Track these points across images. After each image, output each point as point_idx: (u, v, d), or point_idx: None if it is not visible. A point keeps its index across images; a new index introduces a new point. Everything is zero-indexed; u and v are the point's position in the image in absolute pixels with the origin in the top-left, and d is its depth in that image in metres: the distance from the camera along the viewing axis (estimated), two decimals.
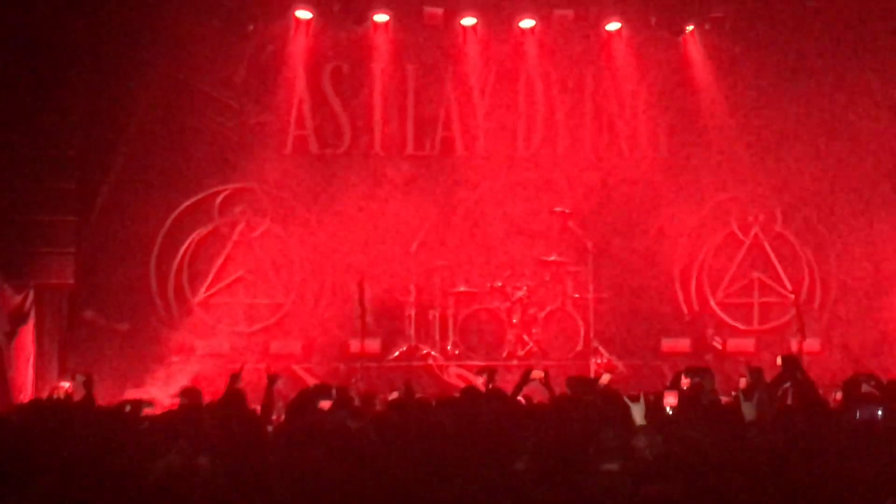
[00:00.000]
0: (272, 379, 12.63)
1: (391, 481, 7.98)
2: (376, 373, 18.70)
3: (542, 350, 19.40)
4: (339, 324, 19.27)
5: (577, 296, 19.86)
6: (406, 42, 20.27)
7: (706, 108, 20.44)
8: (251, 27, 19.79)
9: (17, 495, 7.67)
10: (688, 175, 20.46)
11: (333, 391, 12.37)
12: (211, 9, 19.40)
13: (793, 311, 18.90)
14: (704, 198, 20.60)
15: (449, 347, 19.49)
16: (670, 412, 12.18)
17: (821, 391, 12.80)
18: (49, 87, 18.58)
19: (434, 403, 11.65)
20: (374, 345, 18.89)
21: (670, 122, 20.67)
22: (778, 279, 20.54)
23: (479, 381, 15.03)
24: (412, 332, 19.64)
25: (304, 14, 19.83)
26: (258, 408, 12.37)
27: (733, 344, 19.91)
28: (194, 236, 19.81)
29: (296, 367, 18.87)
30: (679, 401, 12.25)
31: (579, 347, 19.50)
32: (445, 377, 19.18)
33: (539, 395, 12.93)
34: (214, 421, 10.50)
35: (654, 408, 11.17)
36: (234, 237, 19.92)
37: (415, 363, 19.19)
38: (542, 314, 19.63)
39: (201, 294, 19.76)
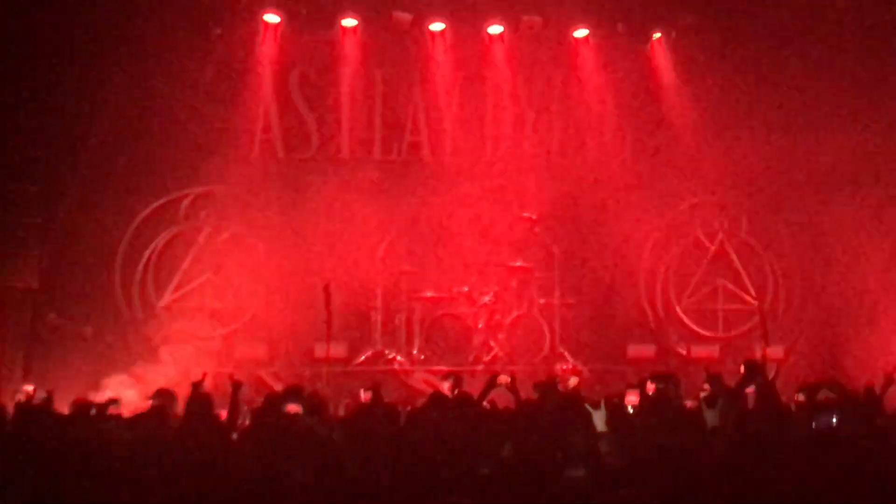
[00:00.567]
0: (236, 386, 12.57)
1: (356, 485, 7.98)
2: (342, 377, 18.66)
3: (507, 355, 19.43)
4: (304, 328, 19.18)
5: (543, 301, 19.91)
6: (374, 47, 20.26)
7: (672, 115, 20.53)
8: (218, 31, 19.73)
9: None
10: (654, 182, 20.53)
11: (303, 395, 12.36)
12: (178, 12, 19.29)
13: (757, 318, 18.99)
14: (670, 205, 20.69)
15: (415, 352, 19.50)
16: (631, 411, 12.25)
17: (783, 397, 12.89)
18: (14, 90, 18.46)
19: (400, 409, 11.67)
20: (340, 349, 18.86)
21: (637, 128, 20.76)
22: (742, 286, 20.65)
23: (445, 386, 15.02)
24: (378, 336, 19.63)
25: (272, 18, 19.80)
26: (223, 412, 12.33)
27: (698, 350, 19.99)
28: (160, 240, 19.74)
29: (261, 372, 18.82)
30: (643, 405, 12.31)
31: (545, 353, 19.56)
32: (411, 382, 19.19)
33: (505, 400, 12.95)
34: (180, 426, 10.48)
35: (616, 413, 11.22)
36: (200, 241, 19.85)
37: (381, 368, 19.18)
38: (508, 320, 19.67)
39: (166, 298, 19.69)
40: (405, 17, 20.07)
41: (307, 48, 20.14)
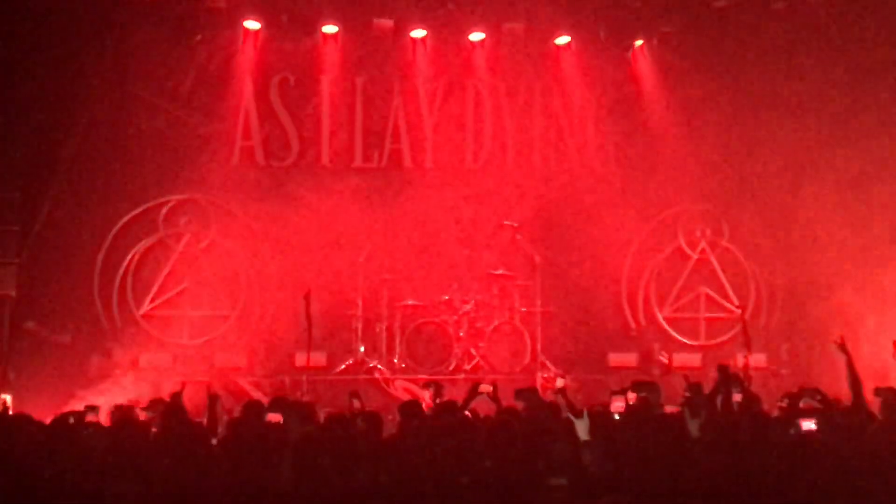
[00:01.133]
0: (213, 399, 12.48)
1: (337, 495, 7.91)
2: (322, 386, 18.57)
3: (488, 364, 19.36)
4: (284, 337, 19.09)
5: (524, 310, 19.86)
6: (355, 54, 20.25)
7: (654, 123, 20.56)
8: (199, 37, 19.69)
9: None
10: (635, 189, 20.54)
11: (289, 403, 12.28)
12: (158, 18, 19.24)
13: (739, 327, 18.96)
14: (652, 212, 20.71)
15: (395, 361, 19.41)
16: (618, 418, 12.20)
17: (765, 405, 12.85)
18: None
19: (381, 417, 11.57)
20: (320, 358, 18.75)
21: (618, 136, 20.77)
22: (725, 294, 20.67)
23: (426, 395, 14.96)
24: (359, 345, 19.55)
25: (252, 24, 19.75)
26: (203, 421, 12.24)
27: (680, 359, 19.96)
28: (139, 247, 19.67)
29: (241, 380, 18.73)
30: (625, 414, 12.28)
31: (526, 361, 19.48)
32: (392, 390, 19.09)
33: (487, 408, 12.88)
34: (159, 434, 10.40)
35: (600, 422, 11.16)
36: (179, 249, 19.79)
37: (361, 376, 19.09)
38: (489, 328, 19.59)
39: (145, 306, 19.61)
40: (386, 23, 20.03)
41: (288, 55, 20.09)
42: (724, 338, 20.35)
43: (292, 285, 19.09)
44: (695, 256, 20.89)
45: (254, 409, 11.82)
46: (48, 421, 11.87)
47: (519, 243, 20.12)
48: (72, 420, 12.02)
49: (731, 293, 20.59)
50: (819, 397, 12.59)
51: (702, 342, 20.54)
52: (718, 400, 12.27)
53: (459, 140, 20.59)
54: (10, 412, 15.47)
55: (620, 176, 20.64)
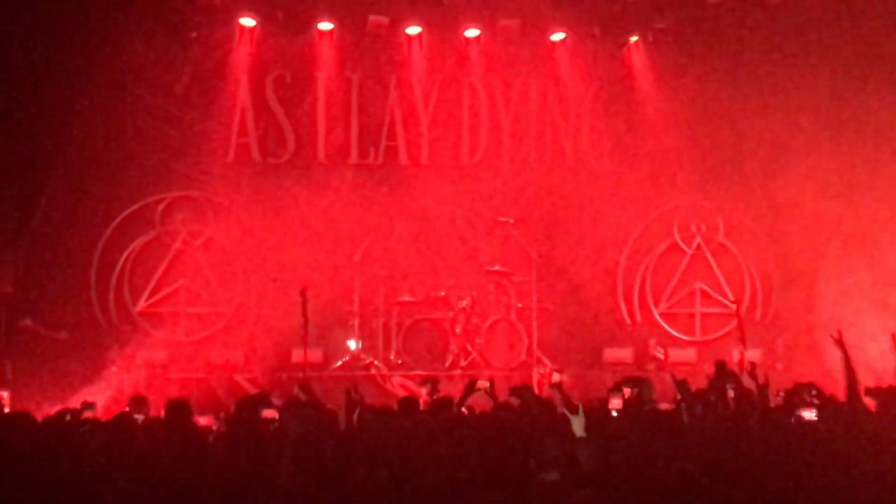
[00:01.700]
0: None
1: (335, 490, 7.94)
2: (318, 383, 18.57)
3: (485, 360, 19.40)
4: (281, 333, 19.08)
5: (520, 306, 19.89)
6: (350, 50, 20.26)
7: (649, 119, 20.59)
8: (194, 34, 19.68)
9: None
10: (631, 185, 20.57)
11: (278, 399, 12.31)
12: (154, 16, 19.24)
13: (735, 322, 19.00)
14: (647, 208, 20.76)
15: (392, 357, 19.44)
16: (615, 415, 12.23)
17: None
18: None
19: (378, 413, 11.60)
20: (316, 354, 18.75)
21: (614, 132, 20.80)
22: (720, 290, 20.70)
23: (423, 392, 14.99)
24: (356, 341, 19.57)
25: (248, 22, 19.75)
26: (199, 419, 12.26)
27: (675, 354, 19.98)
28: (135, 244, 19.66)
29: (237, 377, 18.74)
30: (619, 410, 12.30)
31: (522, 357, 19.52)
32: (388, 387, 19.10)
33: (483, 405, 12.90)
34: (157, 432, 10.42)
35: (596, 418, 11.19)
36: (176, 245, 19.78)
37: (358, 373, 19.09)
38: (485, 324, 19.62)
39: (142, 303, 19.61)
40: (381, 20, 20.04)
41: (283, 52, 20.08)
42: (720, 333, 20.40)
43: (289, 282, 19.10)
44: (690, 252, 20.94)
45: (249, 405, 11.82)
46: (45, 418, 11.91)
47: (515, 240, 20.17)
48: (68, 417, 12.04)
49: (726, 289, 20.63)
50: (815, 392, 12.61)
51: (697, 338, 20.59)
52: (714, 396, 12.33)
53: (455, 136, 20.61)
54: (7, 409, 15.48)
55: (616, 172, 20.66)
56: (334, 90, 20.26)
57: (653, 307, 20.79)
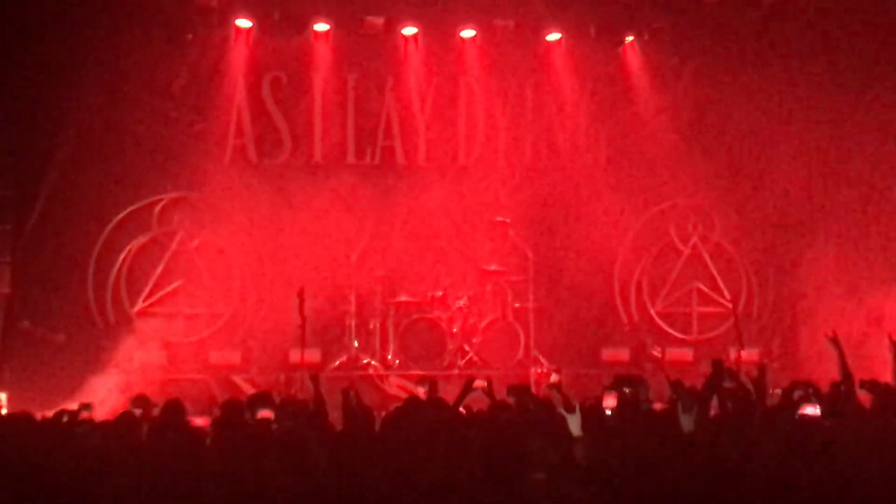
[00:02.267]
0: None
1: (331, 490, 7.96)
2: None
3: (482, 360, 19.41)
4: (279, 333, 19.09)
5: (517, 305, 19.91)
6: (346, 51, 20.25)
7: (645, 118, 20.61)
8: (190, 36, 19.66)
9: None
10: (627, 185, 20.60)
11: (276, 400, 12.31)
12: (150, 17, 19.21)
13: (731, 321, 19.03)
14: (644, 207, 20.77)
15: (389, 357, 19.45)
16: (609, 413, 12.25)
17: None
18: None
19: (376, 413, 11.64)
20: (314, 355, 18.76)
21: (610, 131, 20.82)
22: (717, 289, 20.72)
23: (420, 391, 14.99)
24: (353, 341, 19.58)
25: (244, 23, 19.75)
26: (196, 419, 12.27)
27: (672, 353, 20.00)
28: (132, 245, 19.66)
29: (235, 378, 18.76)
30: (615, 409, 12.32)
31: (519, 357, 19.54)
32: (386, 387, 19.12)
33: (481, 404, 12.92)
34: (153, 433, 10.43)
35: (592, 416, 11.22)
36: (173, 247, 19.77)
37: (355, 373, 19.10)
38: (482, 324, 19.64)
39: (139, 304, 19.60)
40: (377, 21, 20.07)
41: (279, 53, 20.09)
42: (717, 332, 20.42)
43: (286, 282, 19.11)
44: (686, 251, 20.95)
45: (235, 408, 11.80)
46: (42, 419, 11.92)
47: (511, 239, 20.17)
48: (66, 418, 12.05)
49: (722, 287, 20.63)
50: (811, 390, 12.64)
51: (694, 336, 20.61)
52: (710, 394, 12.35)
53: (451, 137, 20.61)
54: (5, 410, 15.50)
55: (612, 171, 20.68)
56: (331, 91, 20.26)
57: (650, 306, 20.82)
